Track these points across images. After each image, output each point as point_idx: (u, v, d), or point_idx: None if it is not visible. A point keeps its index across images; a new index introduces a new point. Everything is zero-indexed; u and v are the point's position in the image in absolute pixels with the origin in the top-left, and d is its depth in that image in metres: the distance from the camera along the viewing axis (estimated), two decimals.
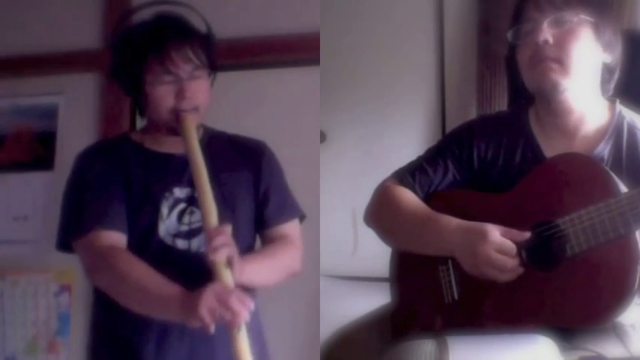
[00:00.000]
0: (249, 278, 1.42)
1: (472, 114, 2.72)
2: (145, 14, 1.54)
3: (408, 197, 1.53)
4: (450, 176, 1.54)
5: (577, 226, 1.30)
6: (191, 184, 1.49)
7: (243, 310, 1.31)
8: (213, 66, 1.55)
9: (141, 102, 1.55)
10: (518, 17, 1.47)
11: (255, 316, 1.37)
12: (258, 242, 1.62)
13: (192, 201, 1.50)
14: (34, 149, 2.45)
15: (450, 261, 1.45)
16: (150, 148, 1.57)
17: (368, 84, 2.94)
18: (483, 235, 1.36)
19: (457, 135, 1.59)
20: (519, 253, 1.35)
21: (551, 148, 1.46)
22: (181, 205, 1.52)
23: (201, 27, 1.55)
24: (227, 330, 1.32)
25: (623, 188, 1.30)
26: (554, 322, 1.32)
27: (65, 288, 2.34)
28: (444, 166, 1.54)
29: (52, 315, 2.34)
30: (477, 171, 1.52)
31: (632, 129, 1.44)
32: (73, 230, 1.51)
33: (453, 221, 1.43)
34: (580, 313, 1.29)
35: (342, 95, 2.90)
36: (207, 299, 1.30)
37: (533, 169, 1.43)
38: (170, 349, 1.47)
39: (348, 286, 2.89)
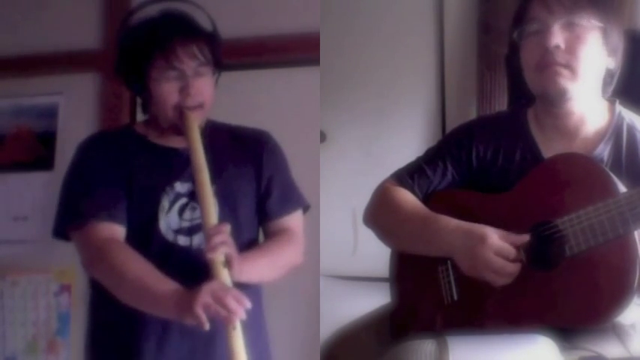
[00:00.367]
0: (248, 276, 1.42)
1: (472, 114, 2.71)
2: (151, 11, 1.54)
3: (407, 198, 1.53)
4: (449, 176, 1.54)
5: (576, 226, 1.30)
6: (193, 179, 1.48)
7: (239, 308, 1.31)
8: (219, 64, 1.54)
9: (145, 99, 1.55)
10: (523, 15, 1.45)
11: (258, 314, 1.37)
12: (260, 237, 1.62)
13: (194, 196, 1.50)
14: (34, 149, 2.45)
15: (449, 261, 1.45)
16: (153, 141, 1.57)
17: (368, 84, 2.93)
18: (482, 239, 1.35)
19: (456, 135, 1.59)
20: (519, 256, 1.35)
21: (550, 148, 1.45)
22: (182, 200, 1.52)
23: (206, 25, 1.55)
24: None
25: (622, 188, 1.30)
26: (554, 322, 1.32)
27: (65, 288, 2.34)
28: (443, 166, 1.54)
29: (52, 315, 2.34)
30: (476, 171, 1.52)
31: (631, 130, 1.43)
32: (70, 219, 1.50)
33: (451, 222, 1.43)
34: (580, 313, 1.29)
35: (342, 95, 2.89)
36: (203, 297, 1.30)
37: (532, 169, 1.42)
38: (170, 347, 1.47)
39: (348, 286, 2.87)
